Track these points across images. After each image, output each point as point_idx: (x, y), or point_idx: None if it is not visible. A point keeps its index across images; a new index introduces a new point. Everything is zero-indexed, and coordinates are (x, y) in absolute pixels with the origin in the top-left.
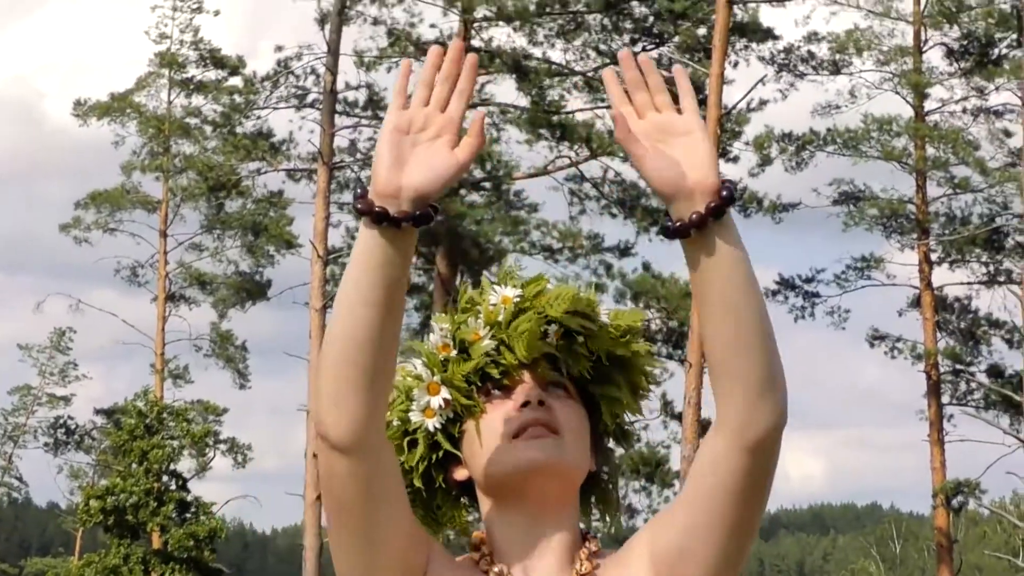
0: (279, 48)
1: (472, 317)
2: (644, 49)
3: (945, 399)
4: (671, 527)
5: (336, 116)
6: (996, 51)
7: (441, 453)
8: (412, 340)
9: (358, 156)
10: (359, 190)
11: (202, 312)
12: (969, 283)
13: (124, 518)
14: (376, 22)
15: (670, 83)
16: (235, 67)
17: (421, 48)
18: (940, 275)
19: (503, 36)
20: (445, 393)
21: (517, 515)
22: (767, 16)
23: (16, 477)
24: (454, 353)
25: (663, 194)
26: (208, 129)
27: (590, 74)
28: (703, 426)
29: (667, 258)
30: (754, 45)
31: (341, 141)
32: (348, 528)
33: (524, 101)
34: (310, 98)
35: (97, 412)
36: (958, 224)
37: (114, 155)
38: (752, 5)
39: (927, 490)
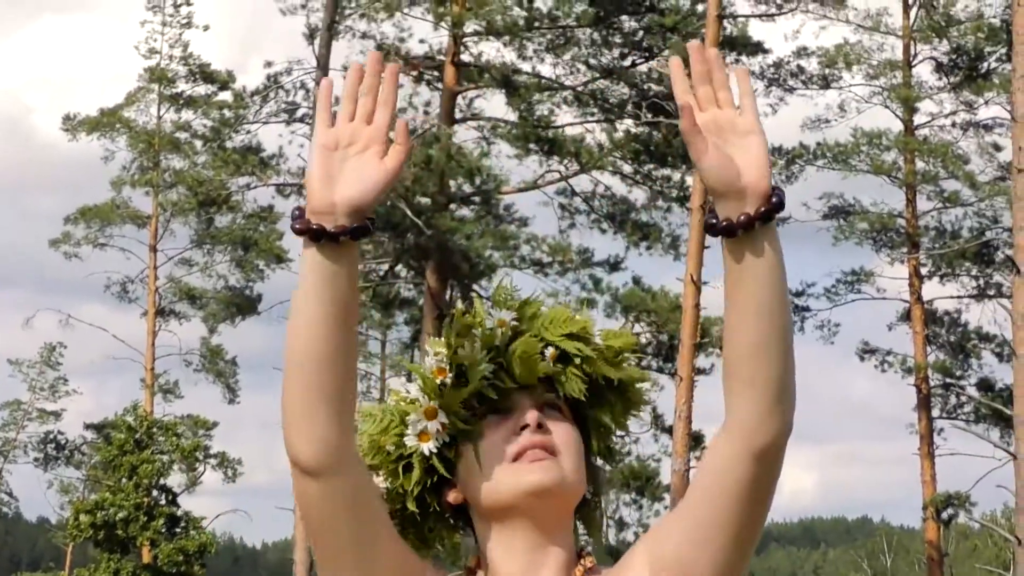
0: (268, 63)
1: (469, 341)
2: (634, 64)
3: (935, 413)
4: (671, 537)
5: None
6: (985, 65)
7: (436, 477)
8: (402, 355)
9: None
10: (296, 211)
11: (192, 327)
12: (959, 297)
13: (114, 533)
14: (365, 37)
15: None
16: (225, 82)
17: (410, 62)
18: (930, 289)
19: (492, 51)
20: (442, 418)
21: (515, 537)
22: (757, 30)
23: (6, 492)
24: (451, 377)
25: (715, 191)
26: (198, 144)
27: (580, 88)
28: (694, 439)
29: (657, 272)
30: (744, 59)
31: None
32: (330, 552)
33: (513, 116)
34: (299, 113)
35: (87, 427)
36: (948, 238)
37: (104, 170)
38: (742, 19)
39: (918, 503)
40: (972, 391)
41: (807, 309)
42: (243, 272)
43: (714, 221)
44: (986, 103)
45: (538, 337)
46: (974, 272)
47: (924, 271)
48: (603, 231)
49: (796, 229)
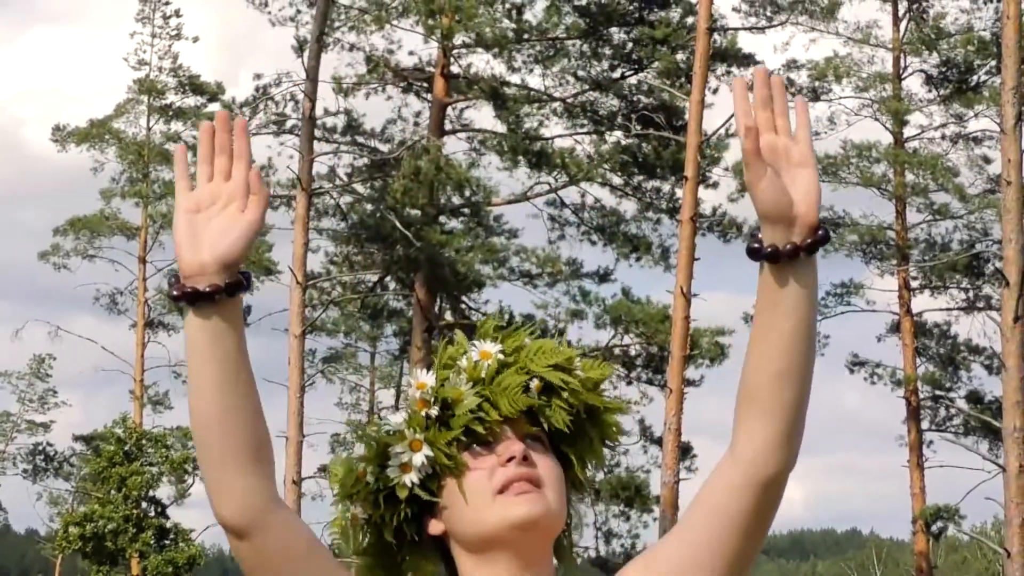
0: (258, 75)
1: (454, 374)
2: (623, 76)
3: (925, 425)
4: (667, 561)
5: (315, 142)
6: (975, 78)
7: (416, 508)
8: (391, 367)
9: (337, 182)
10: (172, 277)
11: (181, 338)
12: (949, 309)
13: (103, 545)
14: (354, 49)
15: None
16: (214, 93)
17: (399, 74)
18: (920, 301)
19: (482, 63)
20: (427, 451)
21: (497, 568)
22: (746, 43)
23: None
24: (435, 411)
25: (766, 216)
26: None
27: (569, 100)
28: (683, 451)
29: (646, 283)
30: (734, 71)
31: (320, 167)
32: None
33: (503, 128)
34: (289, 124)
35: (76, 439)
36: (938, 250)
37: (93, 181)
38: (731, 32)
39: (907, 515)
40: (961, 403)
41: None
42: None
43: (757, 246)
44: (976, 116)
45: (524, 369)
46: (964, 284)
47: (914, 283)
48: (592, 243)
49: None
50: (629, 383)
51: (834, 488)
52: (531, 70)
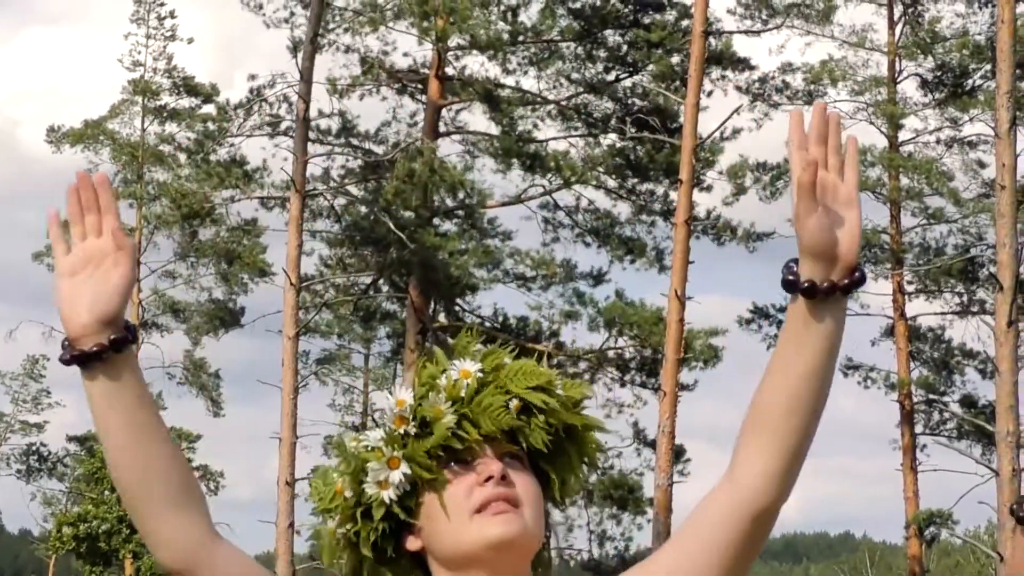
0: (252, 76)
1: (433, 392)
2: (618, 79)
3: (918, 429)
4: (665, 568)
5: (309, 144)
6: (970, 82)
7: (393, 524)
8: (384, 369)
9: (331, 184)
10: (64, 342)
11: (175, 340)
12: (943, 313)
13: (96, 545)
14: (349, 50)
15: None
16: (208, 95)
17: (394, 76)
18: (914, 305)
19: (476, 65)
20: (405, 468)
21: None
22: (742, 46)
23: None
24: (413, 428)
25: (809, 251)
26: (182, 157)
27: (563, 103)
28: (676, 454)
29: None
30: (729, 74)
31: (314, 169)
32: None
33: (496, 130)
34: (283, 126)
35: (70, 439)
36: (932, 254)
37: None
38: (727, 35)
39: (900, 519)
40: (955, 407)
41: None
42: (227, 285)
43: (793, 278)
44: (971, 120)
45: (503, 389)
46: (958, 289)
47: (908, 288)
48: (586, 244)
49: (780, 245)
50: (623, 385)
51: (828, 491)
52: (525, 72)
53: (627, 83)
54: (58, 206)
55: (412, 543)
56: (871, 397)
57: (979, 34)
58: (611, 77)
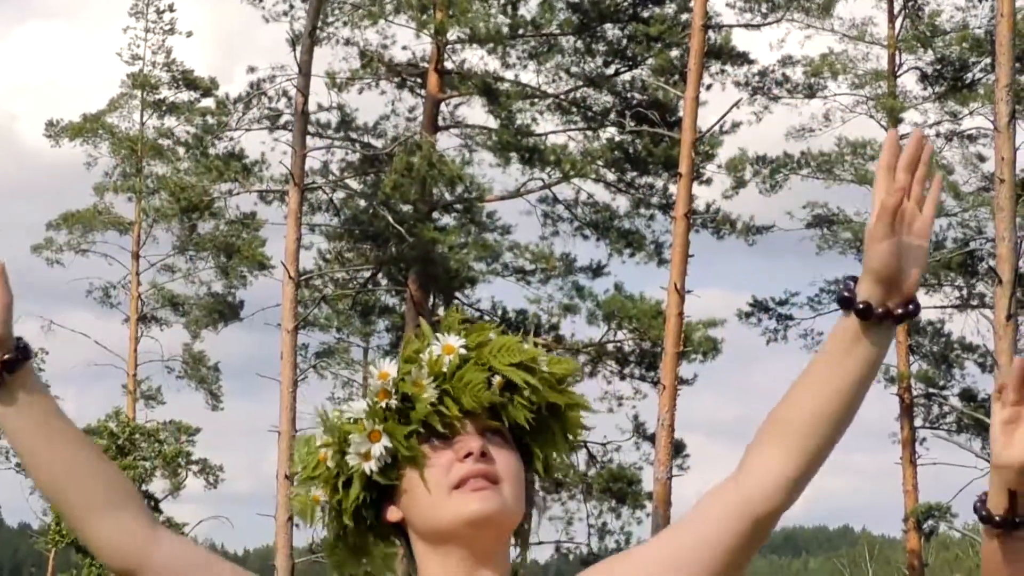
0: (251, 69)
1: (416, 367)
2: (617, 73)
3: (918, 422)
4: (645, 567)
5: (308, 137)
6: (970, 76)
7: (375, 494)
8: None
9: (330, 178)
10: None
11: (174, 333)
12: (942, 307)
13: None
14: (348, 44)
15: None
16: (207, 88)
17: (393, 69)
18: None
19: (476, 58)
20: (386, 441)
21: (451, 558)
22: (741, 39)
23: None
24: (395, 402)
25: (874, 274)
26: (181, 150)
27: (562, 96)
28: (676, 447)
29: (640, 279)
30: (729, 68)
31: (313, 162)
32: None
33: (495, 124)
34: (283, 119)
35: None
36: (931, 248)
37: (86, 176)
38: (726, 29)
39: (899, 513)
40: (955, 401)
41: (790, 318)
42: (226, 278)
43: (849, 295)
44: (971, 113)
45: (486, 365)
46: (958, 282)
47: None
48: (585, 238)
49: (780, 238)
50: (622, 379)
51: (827, 485)
52: (525, 66)
53: (626, 77)
54: (56, 200)
55: (393, 514)
56: (871, 390)
57: (979, 28)
58: (610, 71)
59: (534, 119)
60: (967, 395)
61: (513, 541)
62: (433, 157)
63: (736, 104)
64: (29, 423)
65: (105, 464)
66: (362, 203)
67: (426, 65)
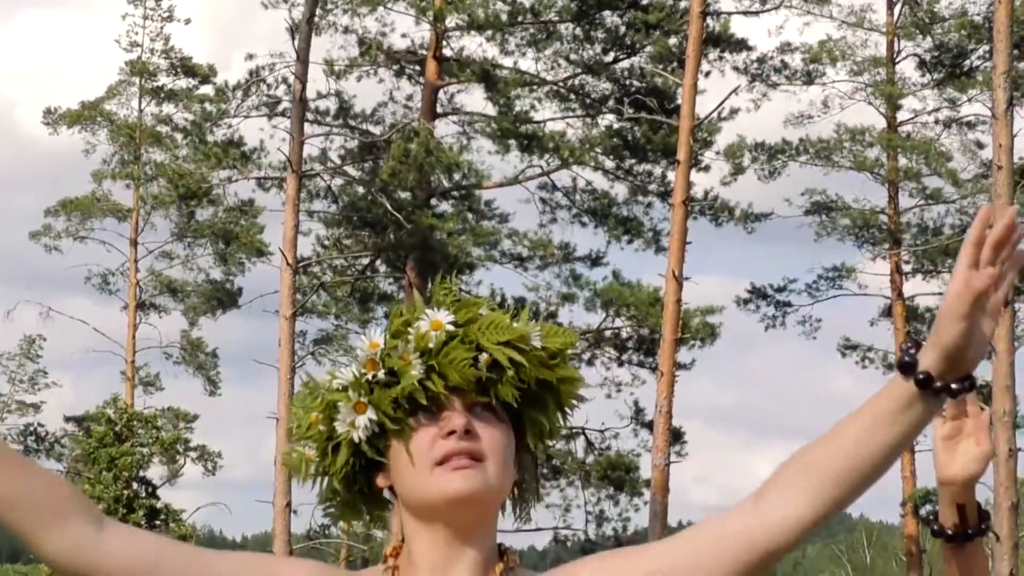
0: (250, 56)
1: (403, 342)
2: (616, 60)
3: None
4: (635, 570)
5: (306, 125)
6: (968, 62)
7: (363, 460)
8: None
9: (328, 164)
10: None
11: (173, 320)
12: (941, 294)
13: None
14: (348, 31)
15: None
16: (206, 76)
17: (392, 57)
18: (912, 285)
19: (474, 45)
20: (371, 413)
21: (436, 531)
22: (740, 26)
23: None
24: (382, 374)
25: (945, 347)
26: (179, 137)
27: (561, 84)
28: (674, 434)
29: (638, 266)
30: (727, 55)
31: (312, 150)
32: None
33: (494, 111)
34: (281, 107)
35: (68, 419)
36: (930, 235)
37: (85, 163)
38: (725, 15)
39: (897, 499)
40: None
41: (788, 304)
42: (224, 265)
43: (911, 361)
44: (969, 100)
45: (473, 343)
46: None
47: (906, 268)
48: (583, 225)
49: (778, 225)
50: (621, 365)
51: None
52: (523, 53)
53: (625, 64)
54: (55, 187)
55: (381, 481)
56: (869, 377)
57: (977, 14)
58: (609, 58)
59: (533, 106)
60: None
61: (512, 505)
62: (431, 144)
63: (734, 91)
64: None
65: (42, 476)
66: (360, 190)
67: (424, 52)
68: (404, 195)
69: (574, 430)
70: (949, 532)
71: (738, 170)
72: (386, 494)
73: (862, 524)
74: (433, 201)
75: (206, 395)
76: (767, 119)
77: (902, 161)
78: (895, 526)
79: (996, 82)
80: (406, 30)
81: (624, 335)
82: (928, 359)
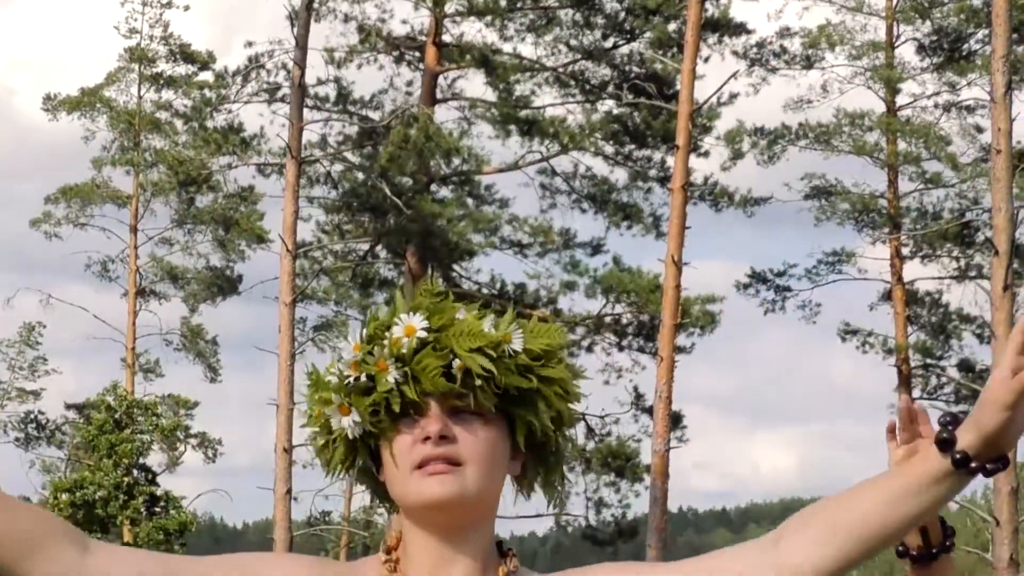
0: (249, 43)
1: (378, 347)
2: (615, 45)
3: (916, 393)
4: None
5: (306, 111)
6: (967, 46)
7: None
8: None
9: (328, 150)
10: None
11: (173, 307)
12: (940, 278)
13: (94, 512)
14: (348, 18)
15: None
16: (205, 62)
17: (391, 43)
18: (911, 270)
19: (474, 31)
20: (355, 415)
21: (428, 531)
22: (739, 10)
23: None
24: (363, 378)
25: (986, 435)
26: (178, 124)
27: (561, 69)
28: (674, 419)
29: (638, 252)
30: (727, 40)
31: (311, 136)
32: None
33: (494, 96)
34: (281, 93)
35: (68, 407)
36: (929, 219)
37: (84, 150)
38: (724, 0)
39: None
40: (952, 372)
41: (788, 289)
42: (224, 252)
43: (950, 440)
44: (968, 84)
45: (446, 349)
46: (955, 253)
47: (905, 252)
48: (583, 211)
49: (778, 209)
50: (621, 351)
51: (826, 456)
52: (523, 39)
53: (624, 50)
54: (55, 174)
55: (381, 475)
56: (869, 361)
57: None
58: (608, 44)
59: (533, 91)
60: (965, 366)
61: (523, 492)
62: (430, 129)
63: (734, 75)
64: None
65: (23, 511)
66: (360, 176)
67: (424, 38)
68: (404, 180)
69: (574, 416)
70: (914, 553)
71: (737, 155)
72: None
73: None
74: (433, 187)
75: (206, 382)
76: (766, 104)
77: (901, 145)
78: None
79: (995, 66)
80: (405, 16)
81: (624, 321)
82: (967, 440)
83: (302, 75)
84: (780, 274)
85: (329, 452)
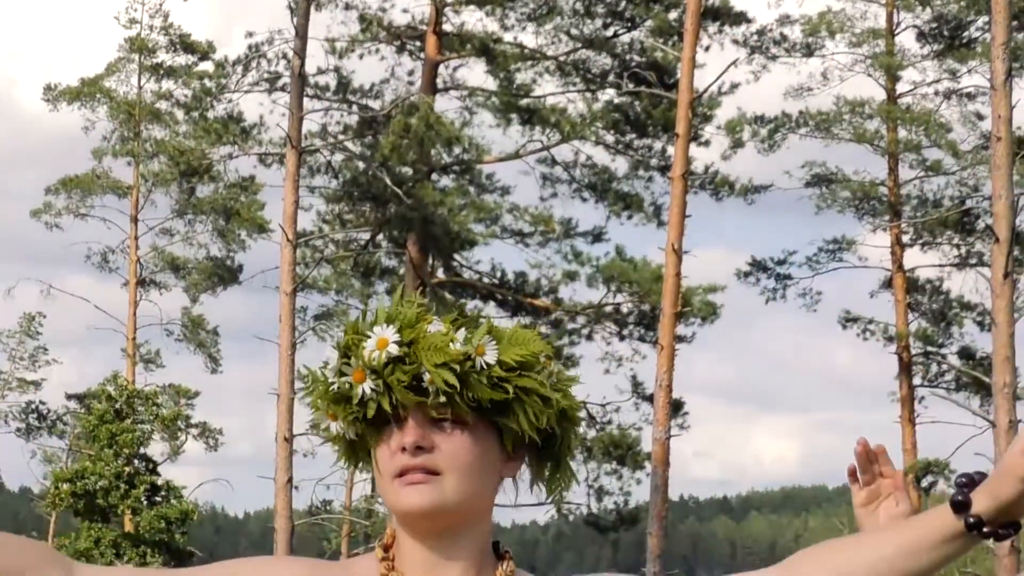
0: (250, 33)
1: (355, 358)
2: (616, 34)
3: (916, 381)
4: None
5: (306, 100)
6: (967, 34)
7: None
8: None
9: (328, 140)
10: None
11: (173, 297)
12: (940, 265)
13: (95, 502)
14: (348, 7)
15: None
16: (205, 52)
17: (392, 33)
18: (911, 257)
19: (474, 20)
20: (341, 422)
21: (417, 535)
22: None
23: None
24: (345, 386)
25: (1002, 504)
26: (179, 114)
27: (562, 58)
28: (674, 407)
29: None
30: (727, 28)
31: (312, 125)
32: None
33: (494, 85)
34: (282, 83)
35: (69, 397)
36: (930, 206)
37: (85, 140)
38: None
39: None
40: (953, 359)
41: (789, 277)
42: (224, 242)
43: (964, 502)
44: (968, 72)
45: (416, 364)
46: (955, 241)
47: (906, 239)
48: (584, 200)
49: (778, 197)
50: (621, 339)
51: (826, 444)
52: (524, 28)
53: (625, 39)
54: (55, 165)
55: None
56: (869, 349)
57: None
58: (609, 33)
59: (533, 80)
60: (965, 353)
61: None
62: (431, 118)
63: (734, 63)
64: None
65: (8, 542)
66: (360, 165)
67: (424, 27)
68: (404, 169)
69: (578, 414)
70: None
71: (738, 143)
72: None
73: None
74: (434, 176)
75: (207, 372)
76: (767, 92)
77: (902, 133)
78: None
79: (995, 53)
80: (406, 5)
81: (625, 310)
82: (981, 505)
83: (302, 64)
84: (781, 262)
85: (337, 447)
